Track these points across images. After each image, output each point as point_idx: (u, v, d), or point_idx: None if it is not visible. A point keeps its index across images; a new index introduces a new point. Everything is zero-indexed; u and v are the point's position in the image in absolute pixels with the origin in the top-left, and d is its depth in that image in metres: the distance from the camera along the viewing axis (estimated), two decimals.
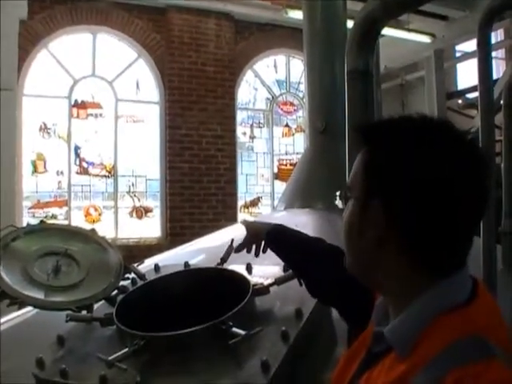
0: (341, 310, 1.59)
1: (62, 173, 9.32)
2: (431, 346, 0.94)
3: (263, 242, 1.83)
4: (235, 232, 2.89)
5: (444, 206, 0.99)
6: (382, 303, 1.14)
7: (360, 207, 1.07)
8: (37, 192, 9.17)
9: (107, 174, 9.64)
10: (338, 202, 1.23)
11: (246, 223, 1.92)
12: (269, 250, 1.84)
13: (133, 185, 9.84)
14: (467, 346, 0.92)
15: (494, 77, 3.02)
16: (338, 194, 1.26)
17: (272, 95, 11.26)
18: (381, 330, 1.05)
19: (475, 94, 10.13)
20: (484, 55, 2.37)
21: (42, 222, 2.72)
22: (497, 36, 11.25)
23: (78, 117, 9.49)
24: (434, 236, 1.00)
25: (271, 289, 2.05)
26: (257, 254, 1.87)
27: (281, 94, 11.37)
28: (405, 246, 1.02)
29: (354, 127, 1.14)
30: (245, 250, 1.91)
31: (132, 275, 2.41)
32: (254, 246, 1.87)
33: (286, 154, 11.23)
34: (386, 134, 1.08)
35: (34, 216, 8.92)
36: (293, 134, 11.34)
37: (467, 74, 11.53)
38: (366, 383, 1.02)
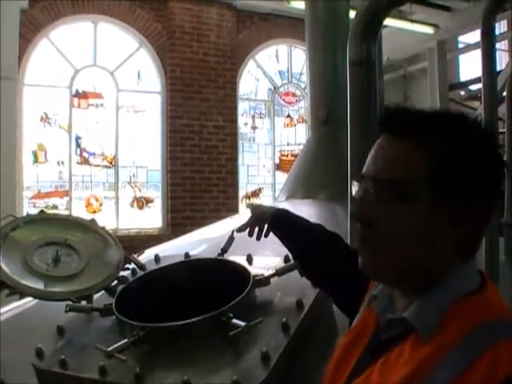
0: (333, 295, 1.61)
1: (62, 163, 9.30)
2: (457, 327, 0.96)
3: (266, 226, 1.82)
4: (236, 223, 2.87)
5: (492, 197, 1.06)
6: (384, 292, 1.14)
7: (429, 209, 1.02)
8: (37, 182, 9.15)
9: (108, 164, 9.63)
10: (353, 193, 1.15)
11: (252, 206, 1.91)
12: (267, 240, 1.83)
13: (134, 175, 9.83)
14: (499, 326, 0.96)
15: (497, 68, 2.98)
16: (356, 186, 1.15)
17: (274, 85, 11.22)
18: (398, 317, 1.06)
19: (478, 86, 10.10)
20: (488, 45, 2.35)
21: (41, 211, 2.71)
22: (500, 27, 11.19)
23: (79, 107, 9.46)
24: (482, 227, 1.07)
25: (272, 280, 2.05)
26: (258, 238, 1.85)
27: (282, 85, 11.33)
28: (462, 239, 1.03)
29: (387, 112, 1.10)
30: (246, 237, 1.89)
31: (132, 266, 2.40)
32: (256, 229, 1.84)
33: (288, 144, 11.21)
34: (442, 129, 1.04)
35: (34, 206, 8.91)
36: (294, 125, 11.31)
37: (470, 66, 11.48)
38: (384, 368, 1.02)
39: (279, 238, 1.80)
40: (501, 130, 3.44)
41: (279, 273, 2.05)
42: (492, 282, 1.09)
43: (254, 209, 1.89)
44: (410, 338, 1.01)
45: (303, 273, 1.78)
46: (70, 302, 2.13)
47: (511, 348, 0.91)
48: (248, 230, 1.85)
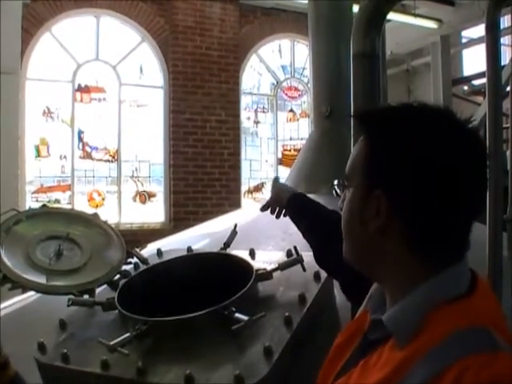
0: (343, 285, 1.63)
1: (65, 157, 9.30)
2: (433, 334, 0.94)
3: (281, 206, 1.94)
4: (239, 217, 2.88)
5: (445, 192, 0.99)
6: (377, 291, 1.14)
7: (361, 196, 1.07)
8: (40, 176, 9.16)
9: (111, 158, 9.63)
10: (334, 192, 1.25)
11: (274, 184, 2.02)
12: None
13: (136, 169, 9.82)
14: (471, 337, 0.92)
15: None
16: (335, 182, 1.27)
17: (276, 80, 11.20)
18: (379, 317, 1.05)
19: (481, 81, 10.07)
20: (492, 39, 2.33)
21: (44, 205, 2.71)
22: (503, 22, 11.15)
23: (81, 101, 9.45)
24: (435, 224, 1.01)
25: (274, 274, 2.04)
26: (277, 217, 1.96)
27: (285, 79, 11.32)
28: (407, 234, 1.02)
29: (353, 114, 1.14)
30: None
31: (134, 260, 2.40)
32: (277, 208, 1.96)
33: (291, 139, 11.20)
34: (385, 122, 1.07)
35: (37, 200, 8.92)
36: (297, 120, 11.30)
37: (473, 61, 11.45)
38: (363, 370, 1.02)
39: (293, 220, 1.88)
40: (504, 126, 3.43)
41: (282, 267, 2.04)
42: (486, 285, 1.07)
43: (275, 188, 2.00)
44: (390, 341, 1.00)
45: (316, 260, 1.80)
46: (72, 296, 2.12)
47: (477, 364, 0.87)
48: (270, 208, 1.98)
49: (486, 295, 1.04)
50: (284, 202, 1.90)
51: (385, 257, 1.05)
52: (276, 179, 2.07)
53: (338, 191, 1.21)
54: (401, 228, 1.02)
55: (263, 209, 2.00)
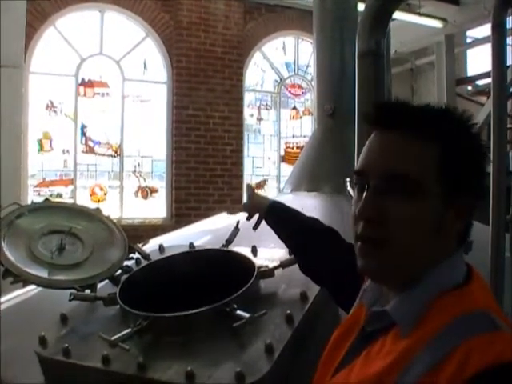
0: (331, 290, 1.62)
1: (67, 151, 9.30)
2: (437, 321, 0.96)
3: (260, 216, 1.90)
4: (241, 214, 2.86)
5: (483, 189, 1.13)
6: (372, 285, 1.15)
7: (440, 203, 1.02)
8: (42, 170, 9.16)
9: (113, 153, 9.63)
10: (349, 189, 1.21)
11: (252, 193, 1.97)
12: (272, 232, 1.83)
13: (139, 165, 9.82)
14: (473, 319, 0.95)
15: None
16: (347, 180, 1.25)
17: (280, 77, 11.18)
18: (379, 309, 1.07)
19: (485, 81, 10.05)
20: (498, 38, 2.33)
21: (46, 199, 2.71)
22: (509, 22, 11.12)
23: (84, 95, 9.45)
24: (473, 216, 1.09)
25: (276, 272, 2.04)
26: (255, 228, 1.93)
27: (289, 77, 11.29)
28: (461, 232, 1.07)
29: (385, 107, 1.09)
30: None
31: (136, 255, 2.40)
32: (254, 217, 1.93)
33: (293, 136, 11.18)
34: (445, 120, 1.06)
35: (39, 194, 8.93)
36: (300, 117, 11.28)
37: (477, 61, 11.44)
38: (366, 360, 1.04)
39: (273, 230, 1.84)
40: (508, 126, 3.42)
41: (284, 265, 2.04)
42: (479, 275, 1.09)
43: (251, 196, 1.96)
44: (393, 331, 1.01)
45: (301, 268, 1.78)
46: (73, 291, 2.13)
47: (482, 343, 0.90)
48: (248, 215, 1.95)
49: (482, 283, 1.08)
50: (262, 211, 1.88)
51: (439, 258, 1.04)
52: (249, 186, 2.05)
53: (351, 192, 1.18)
54: (460, 227, 1.06)
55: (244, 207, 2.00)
